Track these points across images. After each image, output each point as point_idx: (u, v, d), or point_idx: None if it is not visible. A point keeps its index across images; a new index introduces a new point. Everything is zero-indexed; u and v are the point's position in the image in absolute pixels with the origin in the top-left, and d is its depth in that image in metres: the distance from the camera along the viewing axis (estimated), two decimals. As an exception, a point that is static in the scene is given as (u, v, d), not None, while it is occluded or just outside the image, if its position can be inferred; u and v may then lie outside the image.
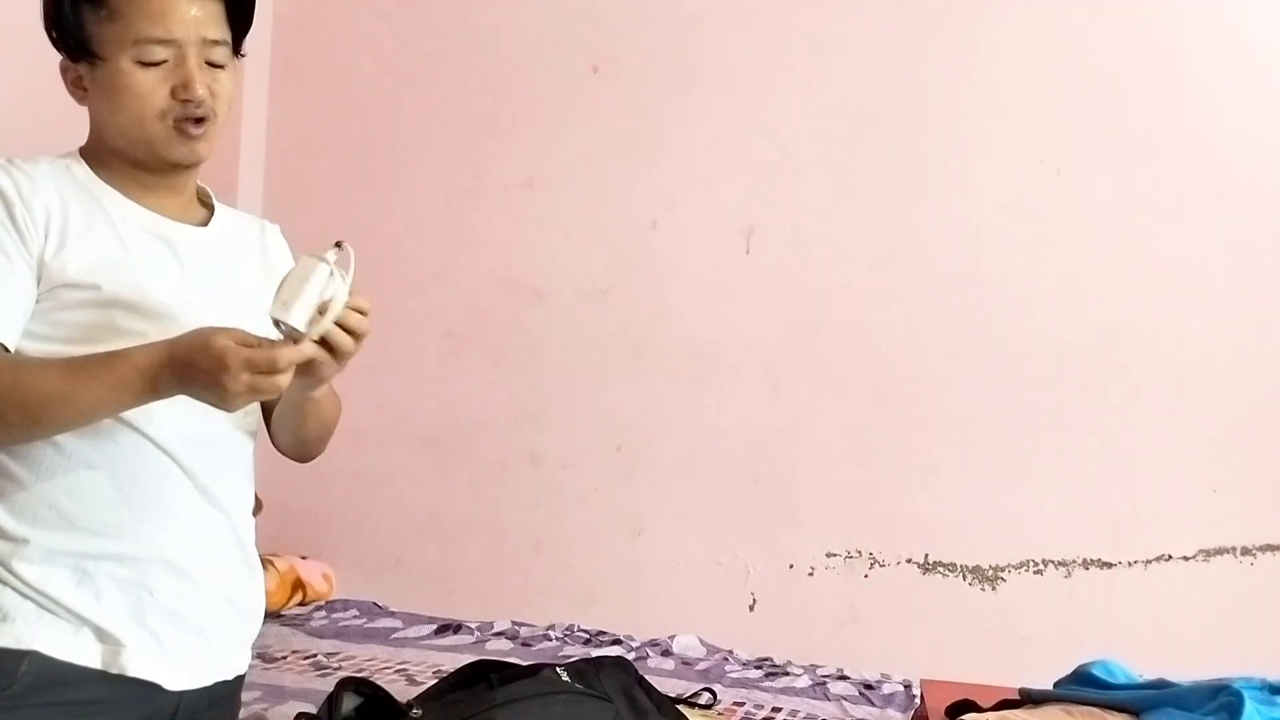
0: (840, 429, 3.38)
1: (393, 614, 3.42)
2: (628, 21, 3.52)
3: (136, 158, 1.60)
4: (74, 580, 1.50)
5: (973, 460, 3.30)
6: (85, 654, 1.49)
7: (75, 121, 1.67)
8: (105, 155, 1.61)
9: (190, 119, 1.57)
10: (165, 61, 1.56)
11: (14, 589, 1.48)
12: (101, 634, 1.51)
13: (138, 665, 1.52)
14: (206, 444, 1.60)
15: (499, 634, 3.31)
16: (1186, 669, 2.13)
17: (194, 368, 1.38)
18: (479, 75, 3.63)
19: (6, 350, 1.47)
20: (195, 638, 1.59)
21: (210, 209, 1.74)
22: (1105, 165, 3.24)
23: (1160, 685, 1.95)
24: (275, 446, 1.81)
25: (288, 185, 3.74)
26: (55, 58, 1.63)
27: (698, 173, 3.47)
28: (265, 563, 3.18)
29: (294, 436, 1.77)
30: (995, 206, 3.30)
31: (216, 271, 1.65)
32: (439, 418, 3.64)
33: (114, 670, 1.50)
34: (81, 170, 1.60)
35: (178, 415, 1.52)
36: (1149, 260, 3.22)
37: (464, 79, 3.65)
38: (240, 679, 1.72)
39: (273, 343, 1.41)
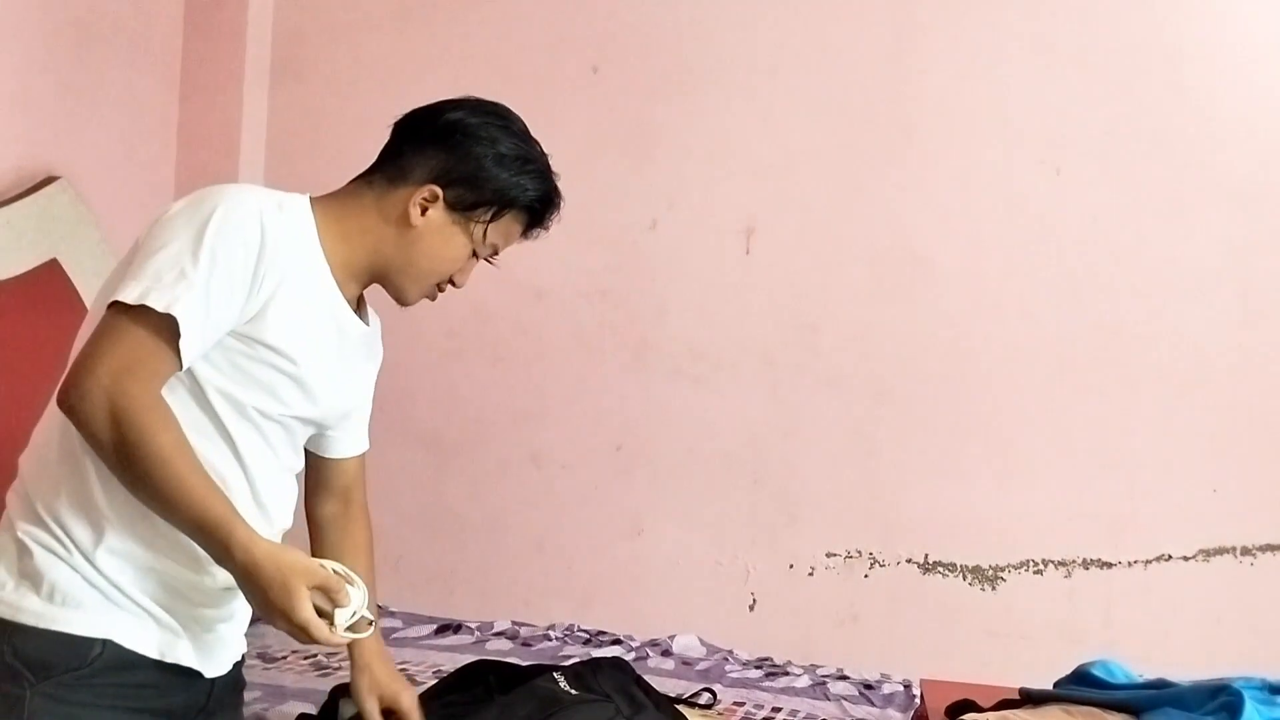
0: (840, 429, 3.38)
1: (392, 614, 3.42)
2: (627, 22, 3.52)
3: (379, 275, 1.78)
4: (141, 574, 1.59)
5: (972, 460, 3.30)
6: (146, 643, 1.60)
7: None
8: (356, 237, 1.75)
9: (440, 292, 1.83)
10: (477, 255, 1.82)
11: (85, 577, 1.56)
12: (161, 625, 1.61)
13: (187, 655, 1.64)
14: (278, 474, 1.73)
15: (499, 634, 3.30)
16: (1186, 669, 2.14)
17: (261, 586, 1.47)
18: (478, 75, 3.62)
19: (180, 367, 1.53)
20: (227, 626, 1.73)
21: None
22: (1105, 165, 3.24)
23: (1160, 685, 1.96)
24: (309, 506, 1.98)
25: (289, 188, 3.66)
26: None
27: (698, 173, 3.47)
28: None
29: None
30: (995, 206, 3.30)
31: (357, 368, 1.84)
32: (439, 417, 3.63)
33: (169, 659, 1.62)
34: (310, 230, 1.71)
35: (265, 448, 1.67)
36: (1149, 260, 3.22)
37: (463, 79, 3.60)
38: (244, 656, 1.85)
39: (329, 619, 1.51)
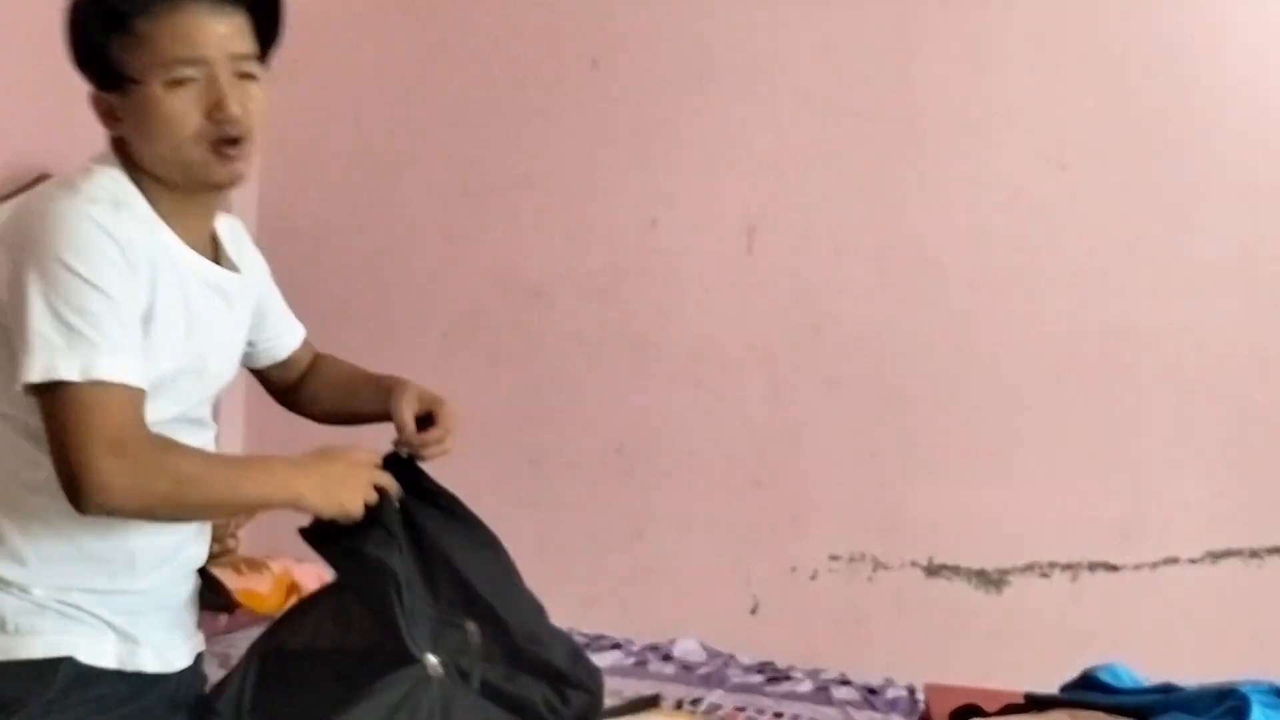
0: (843, 429, 3.38)
1: (391, 617, 3.40)
2: (627, 16, 3.51)
3: (174, 183, 1.59)
4: (84, 593, 1.57)
5: (978, 461, 3.30)
6: (105, 655, 1.57)
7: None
8: (145, 183, 1.58)
9: (227, 140, 1.55)
10: (196, 81, 1.54)
11: (34, 602, 1.54)
12: (119, 634, 1.59)
13: (148, 661, 1.61)
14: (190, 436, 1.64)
15: (497, 637, 3.28)
16: (1194, 672, 2.13)
17: (333, 473, 1.55)
18: (477, 72, 3.63)
19: (144, 392, 1.49)
20: (184, 615, 1.72)
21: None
22: (1111, 162, 3.23)
23: (1167, 690, 1.96)
24: (296, 403, 1.97)
25: (285, 185, 3.74)
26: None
27: (699, 170, 3.47)
28: (260, 566, 3.18)
29: (334, 413, 1.95)
30: (1000, 204, 3.29)
31: (247, 314, 1.77)
32: (436, 419, 3.62)
33: (130, 669, 1.59)
34: (141, 206, 1.57)
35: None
36: (1157, 259, 3.21)
37: (462, 76, 3.64)
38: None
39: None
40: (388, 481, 1.61)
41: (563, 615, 3.37)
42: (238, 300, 1.71)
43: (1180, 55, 3.20)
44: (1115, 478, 3.22)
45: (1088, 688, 2.04)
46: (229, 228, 1.80)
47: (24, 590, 1.53)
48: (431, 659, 1.57)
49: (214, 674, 1.78)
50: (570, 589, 3.48)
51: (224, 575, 2.99)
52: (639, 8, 3.51)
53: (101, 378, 1.42)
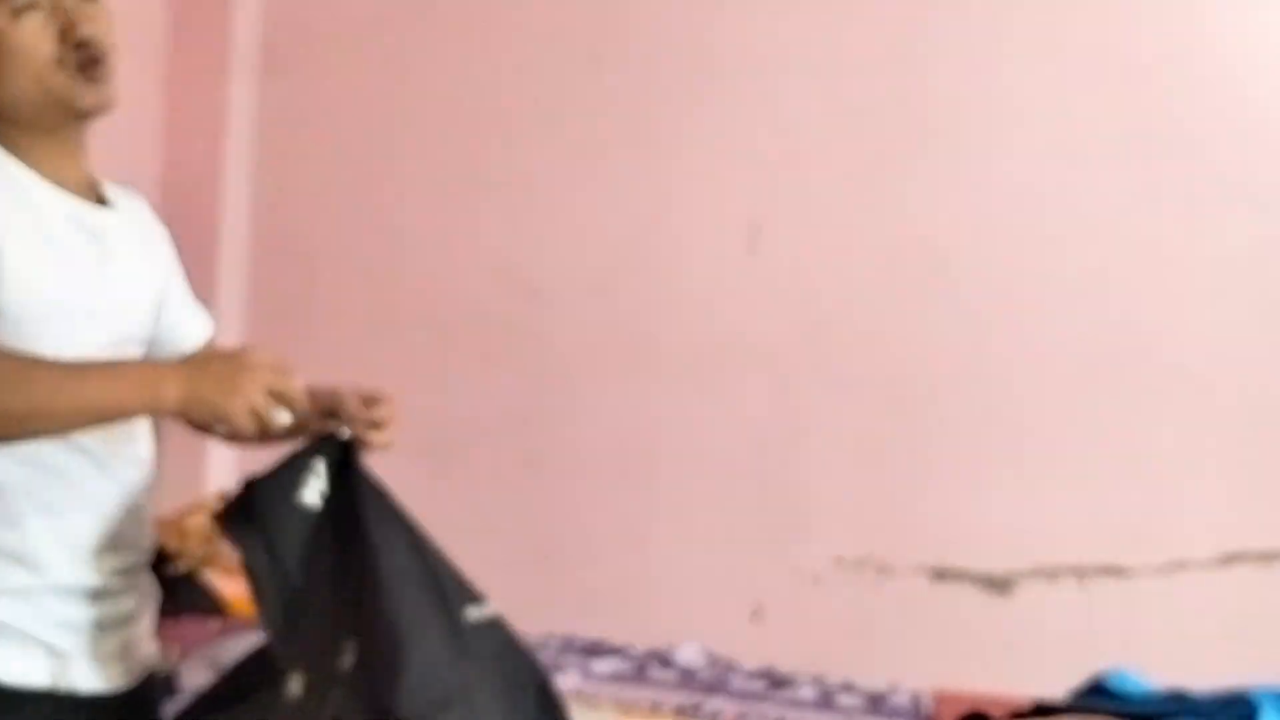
0: (848, 431, 3.38)
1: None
2: (629, 12, 3.53)
3: (43, 120, 1.51)
4: (11, 599, 1.46)
5: (985, 464, 3.29)
6: (35, 672, 1.46)
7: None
8: (7, 127, 1.51)
9: (90, 61, 1.50)
10: (39, 8, 1.48)
11: None
12: (50, 650, 1.47)
13: (83, 677, 1.49)
14: (133, 460, 1.56)
15: (495, 643, 3.26)
16: (1205, 678, 2.17)
17: (209, 369, 1.42)
18: (476, 68, 3.67)
19: None
20: (129, 624, 1.57)
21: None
22: (1121, 162, 3.23)
23: (1177, 697, 1.96)
24: None
25: (281, 185, 3.76)
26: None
27: (701, 169, 3.48)
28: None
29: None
30: (1009, 203, 3.29)
31: (136, 260, 1.62)
32: (436, 419, 3.61)
33: (62, 687, 1.47)
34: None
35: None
36: (1168, 259, 3.21)
37: (460, 72, 3.67)
38: (169, 675, 1.76)
39: None
40: (293, 391, 1.43)
41: (561, 621, 3.41)
42: (117, 242, 1.58)
43: (1191, 54, 3.20)
44: (1124, 480, 3.21)
45: (1097, 694, 2.08)
46: (126, 197, 1.70)
47: None
48: (295, 680, 1.39)
49: (206, 680, 1.71)
50: (569, 593, 3.51)
51: (214, 578, 2.96)
52: (641, 5, 3.53)
53: None
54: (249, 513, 1.43)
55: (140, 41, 3.50)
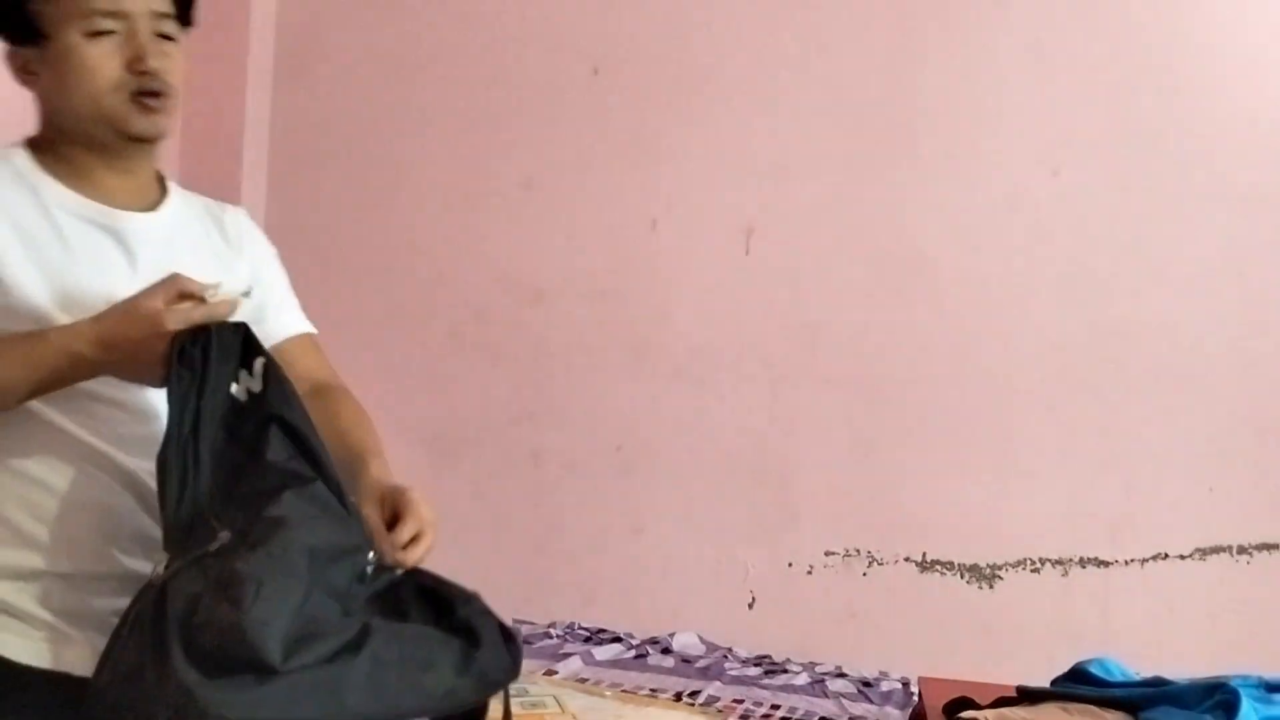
0: (839, 428, 3.39)
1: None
2: (628, 22, 3.52)
3: (94, 138, 1.52)
4: (23, 583, 1.46)
5: (971, 459, 3.31)
6: (36, 652, 1.45)
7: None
8: (57, 143, 1.53)
9: (148, 92, 1.50)
10: (115, 34, 1.49)
11: None
12: (52, 631, 1.46)
13: (82, 662, 1.44)
14: (141, 443, 1.50)
15: (500, 632, 3.30)
16: (1183, 667, 2.14)
17: (123, 337, 1.36)
18: (480, 77, 3.62)
19: None
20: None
21: (165, 192, 1.65)
22: (1103, 166, 3.24)
23: (1157, 683, 1.96)
24: None
25: (291, 188, 3.74)
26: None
27: (698, 173, 3.47)
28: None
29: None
30: (994, 207, 3.30)
31: (171, 261, 1.52)
32: (440, 417, 3.63)
33: (61, 668, 1.46)
34: (22, 160, 1.52)
35: (114, 414, 1.48)
36: (1147, 260, 3.23)
37: (465, 81, 3.64)
38: None
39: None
40: (198, 309, 1.37)
41: (564, 610, 3.45)
42: (140, 247, 1.54)
43: (1172, 63, 3.21)
44: (1106, 475, 3.23)
45: (1079, 681, 2.05)
46: (213, 206, 1.71)
47: None
48: (161, 564, 1.29)
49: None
50: (571, 584, 3.52)
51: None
52: (639, 15, 3.51)
53: None
54: (206, 354, 1.36)
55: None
